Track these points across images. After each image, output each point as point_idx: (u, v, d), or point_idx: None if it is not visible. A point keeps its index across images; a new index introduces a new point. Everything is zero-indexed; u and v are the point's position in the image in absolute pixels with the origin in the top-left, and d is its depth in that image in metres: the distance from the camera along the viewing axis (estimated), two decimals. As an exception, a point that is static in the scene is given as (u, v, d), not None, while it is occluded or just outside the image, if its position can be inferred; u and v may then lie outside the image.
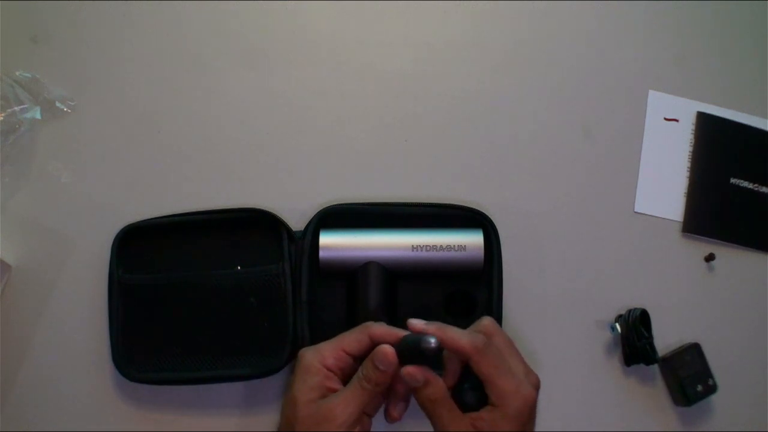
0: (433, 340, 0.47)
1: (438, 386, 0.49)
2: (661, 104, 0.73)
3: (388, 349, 0.49)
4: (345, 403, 0.48)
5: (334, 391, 0.50)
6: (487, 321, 0.54)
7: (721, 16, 0.76)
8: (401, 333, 0.52)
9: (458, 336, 0.50)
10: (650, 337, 0.65)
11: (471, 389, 0.52)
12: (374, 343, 0.51)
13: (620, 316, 0.67)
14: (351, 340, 0.52)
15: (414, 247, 0.63)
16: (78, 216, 0.67)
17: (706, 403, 0.66)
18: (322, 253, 0.62)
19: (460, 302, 0.65)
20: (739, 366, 0.68)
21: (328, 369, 0.51)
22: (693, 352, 0.66)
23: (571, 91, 0.73)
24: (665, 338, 0.67)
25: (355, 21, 0.73)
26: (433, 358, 0.49)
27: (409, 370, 0.49)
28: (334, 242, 0.63)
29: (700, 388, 0.65)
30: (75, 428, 0.63)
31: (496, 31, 0.74)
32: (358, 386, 0.49)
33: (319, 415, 0.48)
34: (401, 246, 0.63)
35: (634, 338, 0.64)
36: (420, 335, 0.49)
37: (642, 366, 0.66)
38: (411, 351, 0.50)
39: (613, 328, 0.67)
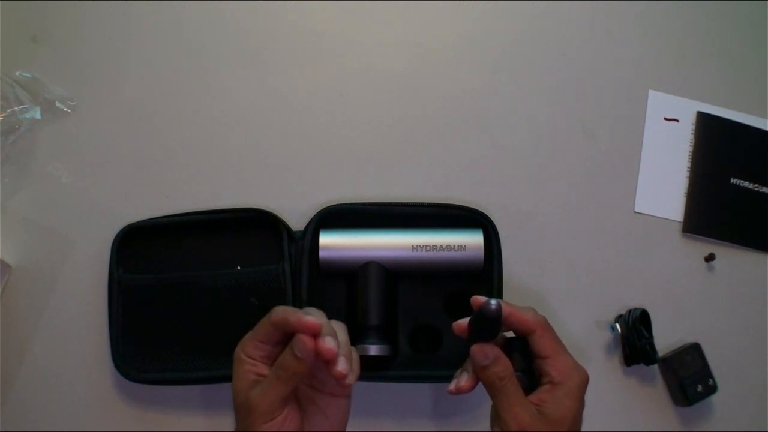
0: (494, 302, 0.47)
1: (507, 363, 0.50)
2: (661, 104, 0.73)
3: (306, 339, 0.47)
4: (263, 393, 0.47)
5: (264, 377, 0.49)
6: (533, 310, 0.53)
7: (721, 16, 0.76)
8: (302, 316, 0.47)
9: (521, 310, 0.51)
10: (650, 337, 0.65)
11: (520, 372, 0.51)
12: (283, 329, 0.48)
13: (620, 316, 0.67)
14: (261, 330, 0.49)
15: (414, 247, 0.63)
16: (78, 216, 0.67)
17: (706, 403, 0.66)
18: (322, 253, 0.62)
19: (460, 302, 0.65)
20: (739, 366, 0.68)
21: (251, 358, 0.49)
22: (693, 352, 0.66)
23: (571, 91, 0.73)
24: (665, 338, 0.67)
25: (355, 21, 0.73)
26: (493, 333, 0.49)
27: (480, 347, 0.49)
28: (334, 242, 0.63)
29: (700, 388, 0.65)
30: (75, 428, 0.63)
31: (495, 31, 0.74)
32: (274, 375, 0.48)
33: (246, 404, 0.48)
34: (401, 246, 0.63)
35: (634, 338, 0.64)
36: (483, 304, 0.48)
37: (642, 366, 0.66)
38: (474, 323, 0.50)
39: (613, 328, 0.67)
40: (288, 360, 0.47)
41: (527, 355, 0.52)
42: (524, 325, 0.51)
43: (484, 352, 0.49)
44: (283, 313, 0.48)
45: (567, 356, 0.51)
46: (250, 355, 0.49)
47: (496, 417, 0.50)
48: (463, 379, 0.52)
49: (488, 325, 0.49)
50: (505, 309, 0.50)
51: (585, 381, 0.51)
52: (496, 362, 0.49)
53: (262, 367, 0.49)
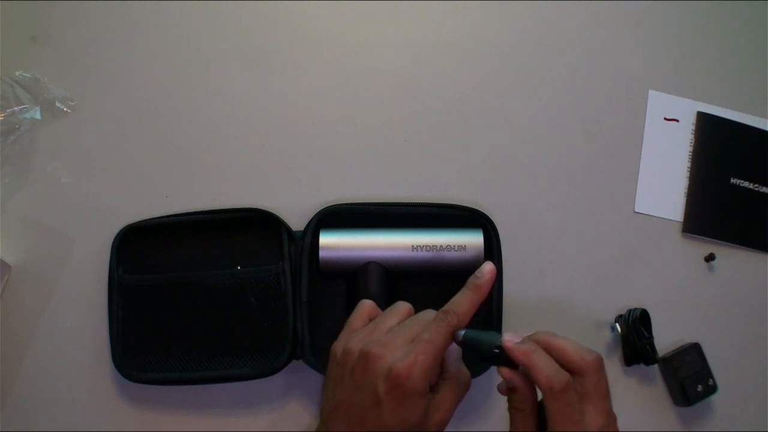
0: (501, 339, 0.48)
1: (524, 398, 0.48)
2: (661, 104, 0.73)
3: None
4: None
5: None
6: (595, 356, 0.47)
7: (721, 17, 0.76)
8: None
9: (541, 367, 0.46)
10: (650, 337, 0.65)
11: None
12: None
13: (620, 316, 0.67)
14: (444, 343, 0.49)
15: (414, 247, 0.63)
16: (78, 216, 0.67)
17: (706, 403, 0.66)
18: (322, 253, 0.62)
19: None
20: (739, 366, 0.68)
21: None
22: (693, 352, 0.66)
23: (571, 91, 0.73)
24: (665, 338, 0.67)
25: (355, 21, 0.73)
26: (498, 363, 0.49)
27: (504, 372, 0.48)
28: (334, 242, 0.63)
29: (700, 388, 0.65)
30: (75, 428, 0.63)
31: (495, 31, 0.74)
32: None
33: None
34: (401, 246, 0.63)
35: (634, 338, 0.64)
36: (489, 338, 0.49)
37: (642, 366, 0.66)
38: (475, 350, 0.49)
39: (613, 328, 0.67)
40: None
41: None
42: (536, 383, 0.47)
43: (504, 377, 0.48)
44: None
45: (569, 429, 0.45)
46: (432, 382, 0.49)
47: None
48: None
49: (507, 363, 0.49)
50: (522, 359, 0.47)
51: None
52: (514, 392, 0.48)
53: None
